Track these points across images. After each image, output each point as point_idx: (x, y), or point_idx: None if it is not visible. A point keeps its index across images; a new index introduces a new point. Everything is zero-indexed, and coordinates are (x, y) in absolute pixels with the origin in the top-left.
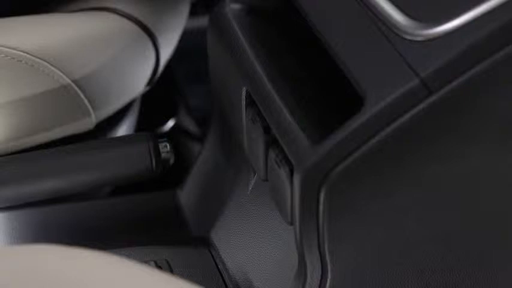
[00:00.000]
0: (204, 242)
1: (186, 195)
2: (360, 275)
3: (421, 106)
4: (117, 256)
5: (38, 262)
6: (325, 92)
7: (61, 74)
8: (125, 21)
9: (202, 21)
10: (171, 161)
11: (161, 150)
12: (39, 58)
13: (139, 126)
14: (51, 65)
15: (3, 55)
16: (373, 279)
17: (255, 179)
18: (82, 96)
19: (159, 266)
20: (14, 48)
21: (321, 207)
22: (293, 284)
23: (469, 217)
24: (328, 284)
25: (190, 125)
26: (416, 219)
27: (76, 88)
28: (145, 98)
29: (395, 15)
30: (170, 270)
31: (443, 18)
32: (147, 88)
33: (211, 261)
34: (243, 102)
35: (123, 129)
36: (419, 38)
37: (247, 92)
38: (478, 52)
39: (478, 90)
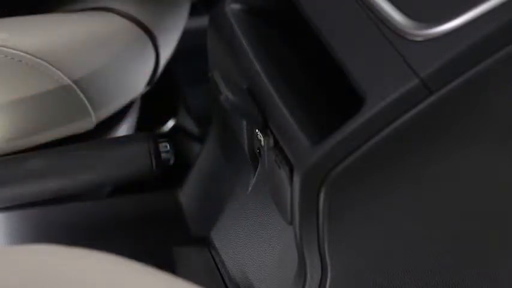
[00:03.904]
0: (204, 242)
1: (186, 195)
2: (359, 274)
3: (421, 106)
4: (117, 256)
5: (38, 262)
6: (325, 92)
7: (61, 74)
8: (125, 21)
9: (202, 21)
10: (171, 161)
11: (161, 150)
12: (39, 58)
13: (139, 126)
14: (51, 65)
15: (3, 55)
16: (373, 279)
17: (255, 179)
18: (82, 96)
19: (159, 266)
20: (14, 48)
21: (321, 207)
22: (293, 284)
23: (469, 217)
24: (328, 284)
25: (190, 125)
26: (417, 219)
27: (76, 88)
28: (145, 98)
29: (395, 15)
30: (170, 270)
31: (443, 18)
32: (147, 88)
33: (211, 261)
34: None
35: (123, 129)
36: (419, 38)
37: (247, 91)
38: (478, 52)
39: (478, 90)
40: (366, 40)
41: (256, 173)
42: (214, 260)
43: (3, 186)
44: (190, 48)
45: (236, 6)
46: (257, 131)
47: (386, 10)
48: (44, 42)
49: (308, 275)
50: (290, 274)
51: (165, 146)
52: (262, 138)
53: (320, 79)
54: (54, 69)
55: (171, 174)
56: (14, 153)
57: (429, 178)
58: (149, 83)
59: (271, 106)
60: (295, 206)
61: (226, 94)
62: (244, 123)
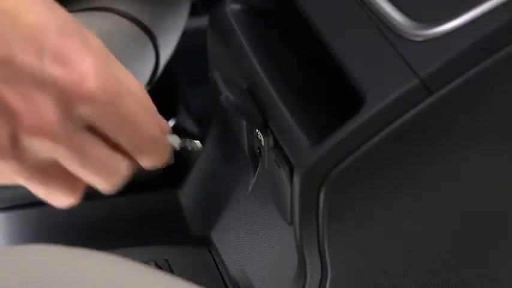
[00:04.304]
0: (204, 242)
1: (186, 195)
2: (359, 274)
3: (421, 106)
4: (117, 256)
5: (38, 262)
6: (325, 92)
7: None
8: (125, 21)
9: (202, 21)
10: (171, 161)
11: None
12: None
13: None
14: None
15: None
16: (373, 279)
17: (255, 179)
18: None
19: (159, 266)
20: None
21: (321, 207)
22: (293, 284)
23: (468, 217)
24: (328, 284)
25: (190, 125)
26: (417, 219)
27: None
28: None
29: (395, 15)
30: (170, 270)
31: (443, 18)
32: (147, 88)
33: (211, 261)
34: None
35: None
36: (419, 38)
37: (247, 91)
38: (478, 52)
39: (478, 90)
40: (365, 40)
41: (256, 173)
42: (214, 260)
43: (3, 186)
44: (190, 48)
45: (236, 6)
46: (257, 131)
47: (386, 10)
48: None
49: (308, 275)
50: (290, 274)
51: None
52: (262, 138)
53: (320, 79)
54: None
55: (171, 174)
56: None
57: (429, 178)
58: (149, 83)
59: (271, 106)
60: (295, 206)
61: (226, 94)
62: (244, 123)
